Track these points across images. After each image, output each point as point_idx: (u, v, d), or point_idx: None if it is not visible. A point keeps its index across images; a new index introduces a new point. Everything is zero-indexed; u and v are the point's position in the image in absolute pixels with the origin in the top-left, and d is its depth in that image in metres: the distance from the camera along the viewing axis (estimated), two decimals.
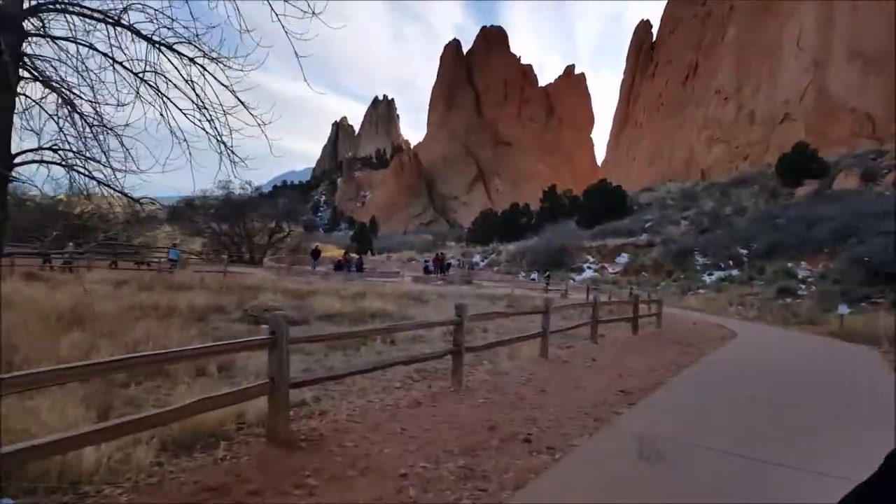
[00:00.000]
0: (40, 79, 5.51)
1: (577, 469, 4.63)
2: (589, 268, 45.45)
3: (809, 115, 60.86)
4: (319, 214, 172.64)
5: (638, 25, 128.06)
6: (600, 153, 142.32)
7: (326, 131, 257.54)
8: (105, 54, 5.51)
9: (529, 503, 3.96)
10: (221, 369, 7.46)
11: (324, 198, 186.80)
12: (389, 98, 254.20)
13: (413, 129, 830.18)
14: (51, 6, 5.41)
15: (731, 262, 37.40)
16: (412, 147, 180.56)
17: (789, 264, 32.89)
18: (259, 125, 5.47)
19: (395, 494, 4.06)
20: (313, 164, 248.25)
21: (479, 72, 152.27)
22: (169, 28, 5.46)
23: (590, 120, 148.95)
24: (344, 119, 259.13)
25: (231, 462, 4.45)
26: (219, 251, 48.55)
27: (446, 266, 42.99)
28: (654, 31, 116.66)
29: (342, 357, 9.32)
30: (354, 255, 44.29)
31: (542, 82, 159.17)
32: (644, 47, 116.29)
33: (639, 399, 7.08)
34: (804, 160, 46.76)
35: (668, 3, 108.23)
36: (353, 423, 5.61)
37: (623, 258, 45.16)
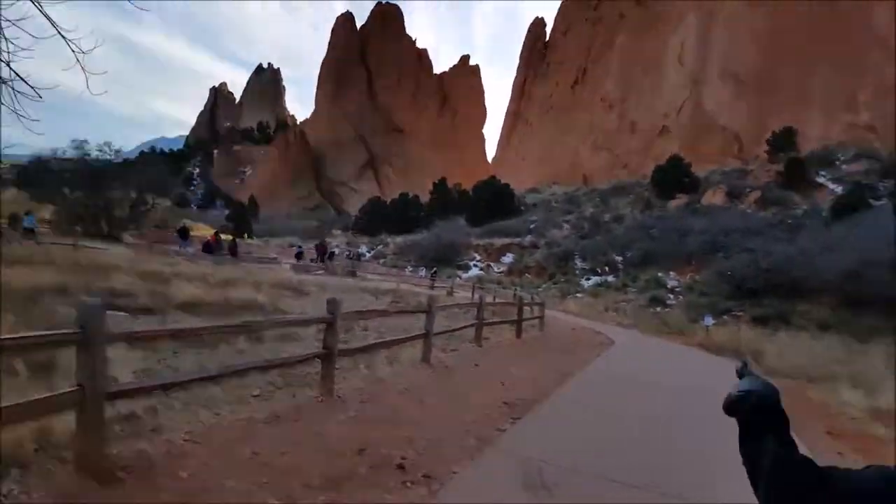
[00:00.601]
0: None
1: None
2: (475, 266, 45.76)
3: (685, 130, 65.35)
4: (192, 188, 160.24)
5: (533, 22, 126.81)
6: (491, 149, 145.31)
7: (204, 96, 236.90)
8: None
9: None
10: (41, 368, 5.98)
11: (198, 171, 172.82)
12: (275, 67, 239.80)
13: (300, 103, 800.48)
14: None
15: (607, 269, 39.07)
16: (299, 123, 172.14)
17: (660, 274, 34.85)
18: (75, 53, 4.17)
19: None
20: (187, 132, 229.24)
21: (372, 50, 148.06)
22: None
23: (483, 114, 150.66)
24: (223, 85, 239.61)
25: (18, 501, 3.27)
26: (71, 221, 43.31)
27: (329, 255, 41.34)
28: (549, 29, 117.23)
29: (194, 356, 8.04)
30: (227, 237, 41.32)
31: (437, 69, 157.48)
32: (538, 45, 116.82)
33: (523, 412, 6.54)
34: (678, 173, 49.97)
35: (562, 3, 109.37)
36: (194, 445, 4.53)
37: (508, 258, 45.90)
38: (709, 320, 22.33)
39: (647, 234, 40.66)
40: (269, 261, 34.30)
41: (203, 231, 49.07)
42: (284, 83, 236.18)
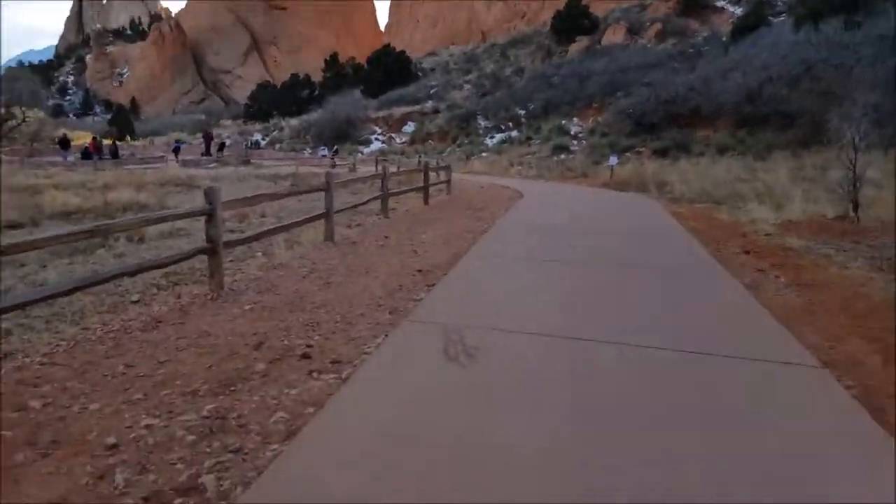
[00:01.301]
0: None
1: (369, 390, 3.45)
2: (377, 139, 44.16)
3: None
4: (69, 98, 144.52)
5: None
6: (382, 18, 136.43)
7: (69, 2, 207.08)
8: None
9: (298, 468, 2.67)
10: None
11: (72, 78, 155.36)
12: None
13: None
14: None
15: (510, 124, 38.69)
16: (174, 15, 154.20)
17: (563, 122, 34.86)
18: None
19: (91, 485, 2.53)
20: (56, 41, 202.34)
21: None
22: None
23: None
24: None
25: None
26: None
27: (220, 146, 38.53)
28: None
29: (66, 267, 7.06)
30: (106, 141, 37.67)
31: None
32: None
33: (438, 278, 6.12)
34: (577, 16, 48.74)
35: None
36: (53, 368, 3.80)
37: (410, 127, 44.51)
38: (613, 160, 22.63)
39: (547, 83, 40.13)
40: (156, 160, 31.58)
41: (84, 139, 44.72)
42: None
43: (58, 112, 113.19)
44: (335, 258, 7.11)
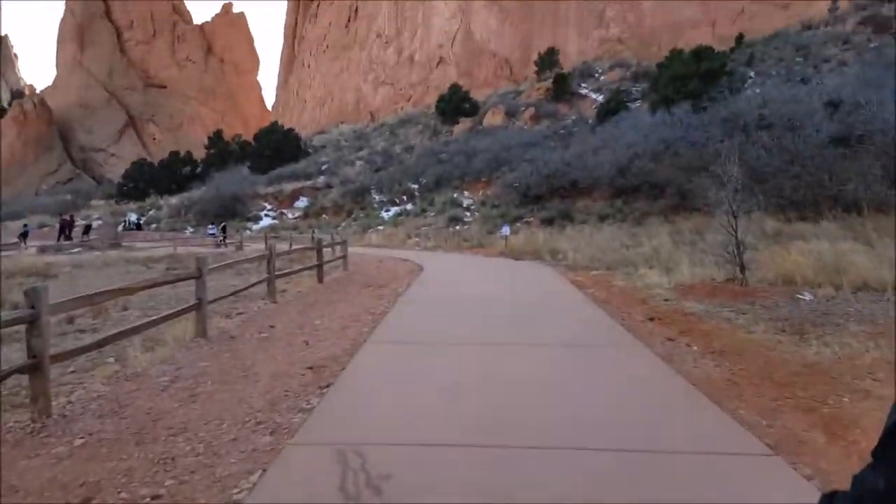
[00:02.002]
0: None
1: None
2: (267, 215, 42.53)
3: (459, 58, 66.73)
4: None
5: None
6: (269, 96, 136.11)
7: None
8: None
9: None
10: None
11: None
12: (1, 34, 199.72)
13: (39, 70, 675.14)
14: None
15: (405, 197, 38.81)
16: (38, 92, 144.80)
17: (455, 195, 35.44)
18: None
19: None
20: None
21: (117, 7, 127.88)
22: None
23: (254, 60, 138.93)
24: None
25: None
26: None
27: (85, 229, 35.30)
28: None
29: None
30: None
31: (198, 20, 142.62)
32: None
33: (333, 376, 5.24)
34: (458, 100, 51.09)
35: None
36: None
37: (302, 202, 43.42)
38: (506, 230, 22.91)
39: (437, 159, 41.08)
40: (10, 246, 28.09)
41: None
42: (15, 50, 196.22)
43: None
44: (207, 359, 5.98)
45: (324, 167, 49.51)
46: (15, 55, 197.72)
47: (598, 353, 5.94)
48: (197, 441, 3.78)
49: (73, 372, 5.75)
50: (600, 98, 47.10)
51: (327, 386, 4.93)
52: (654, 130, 29.74)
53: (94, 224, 40.46)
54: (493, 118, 48.30)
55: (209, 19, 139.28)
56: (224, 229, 34.13)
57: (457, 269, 14.91)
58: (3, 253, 24.17)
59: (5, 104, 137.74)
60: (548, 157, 32.81)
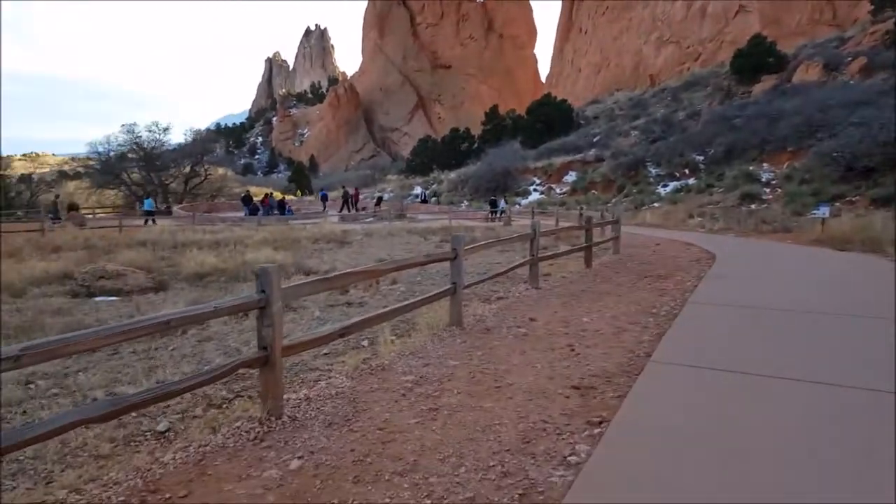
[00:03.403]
0: None
1: None
2: (535, 190, 42.31)
3: (764, 5, 57.52)
4: (257, 157, 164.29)
5: None
6: (544, 69, 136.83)
7: (262, 69, 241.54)
8: None
9: None
10: None
11: (260, 139, 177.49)
12: (322, 28, 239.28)
13: (351, 59, 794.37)
14: None
15: (686, 171, 34.79)
16: (349, 77, 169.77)
17: (750, 167, 30.40)
18: None
19: None
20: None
21: None
22: None
23: (531, 33, 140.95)
24: (276, 54, 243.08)
25: None
26: (132, 203, 44.16)
27: (378, 200, 39.44)
28: None
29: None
30: (277, 196, 40.40)
31: None
32: None
33: (607, 407, 3.79)
34: (761, 54, 43.78)
35: None
36: None
37: (571, 176, 42.17)
38: (823, 210, 18.37)
39: (729, 125, 35.69)
40: (318, 214, 32.62)
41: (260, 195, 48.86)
42: (332, 42, 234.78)
43: (247, 170, 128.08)
44: (457, 356, 5.04)
45: (595, 139, 47.41)
46: (332, 46, 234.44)
47: None
48: (424, 490, 2.75)
49: (325, 355, 5.36)
50: None
51: (600, 423, 3.53)
52: None
53: (385, 196, 45.06)
54: (806, 73, 40.18)
55: None
56: (494, 203, 34.60)
57: (759, 260, 11.96)
58: (312, 220, 27.86)
59: (324, 90, 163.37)
60: (886, 117, 25.77)
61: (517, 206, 35.96)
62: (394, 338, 5.75)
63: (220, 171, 53.64)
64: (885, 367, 4.49)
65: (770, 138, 31.40)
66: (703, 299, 7.42)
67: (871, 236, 14.11)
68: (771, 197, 26.62)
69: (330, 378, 4.59)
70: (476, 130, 65.71)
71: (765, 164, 30.35)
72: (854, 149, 24.86)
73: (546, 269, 10.40)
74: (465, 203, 43.90)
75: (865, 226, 15.03)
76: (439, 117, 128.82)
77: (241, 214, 33.55)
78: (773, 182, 28.27)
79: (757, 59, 43.68)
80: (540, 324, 6.33)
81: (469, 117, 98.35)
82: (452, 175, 52.09)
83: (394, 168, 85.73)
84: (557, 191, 41.52)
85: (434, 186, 51.80)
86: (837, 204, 22.41)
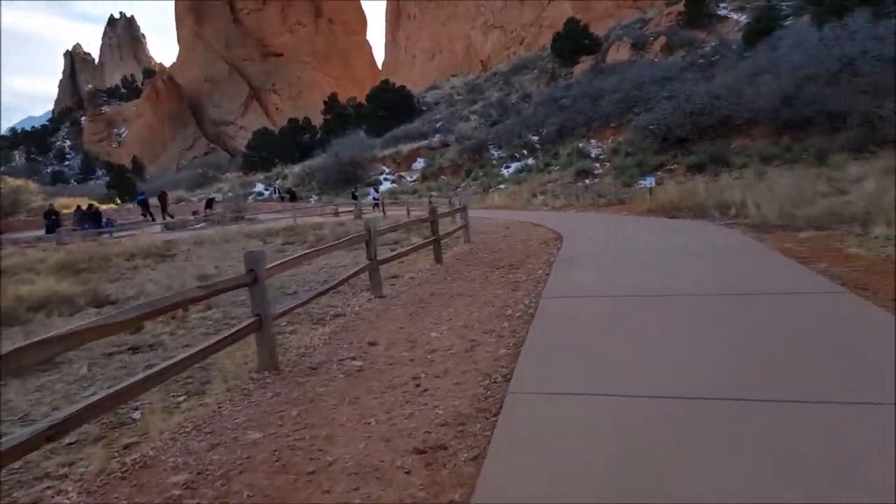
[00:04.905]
0: None
1: None
2: (386, 179, 41.38)
3: None
4: (68, 163, 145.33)
5: None
6: (379, 55, 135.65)
7: (62, 65, 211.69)
8: None
9: None
10: None
11: (69, 143, 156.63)
12: (128, 16, 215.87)
13: (168, 48, 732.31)
14: None
15: (525, 152, 35.82)
16: (167, 69, 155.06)
17: (581, 144, 31.89)
18: None
19: None
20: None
21: None
22: None
23: (361, 19, 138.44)
24: (78, 46, 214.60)
25: None
26: None
27: (208, 203, 35.83)
28: None
29: None
30: (82, 207, 35.17)
31: None
32: None
33: (463, 482, 2.87)
34: (577, 37, 46.40)
35: None
36: None
37: (419, 163, 41.83)
38: (649, 180, 19.46)
39: (558, 106, 37.36)
40: (136, 224, 28.84)
41: (72, 206, 42.29)
42: (143, 31, 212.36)
43: (58, 179, 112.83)
44: (262, 423, 3.81)
45: (438, 125, 47.50)
46: (143, 35, 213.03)
47: None
48: None
49: (69, 445, 3.82)
50: (743, 18, 40.71)
51: None
52: (823, 48, 24.35)
53: (219, 197, 41.41)
54: (617, 53, 43.25)
55: None
56: (355, 196, 33.24)
57: (604, 236, 11.96)
58: (130, 232, 24.50)
59: (140, 84, 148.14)
60: (690, 90, 28.16)
61: (369, 198, 34.68)
62: (182, 398, 4.36)
63: (18, 182, 46.24)
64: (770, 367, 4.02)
65: (595, 116, 33.25)
66: (558, 291, 6.87)
67: (698, 202, 14.90)
68: (602, 171, 27.99)
69: (55, 498, 3.09)
70: (318, 120, 63.13)
71: (592, 141, 32.00)
72: (668, 121, 26.87)
73: (394, 269, 9.43)
74: (314, 198, 41.80)
75: (690, 192, 15.87)
76: (277, 108, 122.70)
77: (57, 231, 28.65)
78: (602, 157, 29.84)
79: (574, 42, 46.29)
80: (381, 349, 5.31)
81: (309, 107, 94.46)
82: (297, 168, 49.50)
83: (233, 165, 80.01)
84: (408, 178, 40.95)
85: (278, 182, 48.80)
86: (659, 173, 24.00)
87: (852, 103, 21.50)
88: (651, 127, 27.70)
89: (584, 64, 44.98)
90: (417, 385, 4.30)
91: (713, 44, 38.62)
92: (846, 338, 4.31)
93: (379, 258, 7.79)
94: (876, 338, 4.23)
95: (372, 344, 5.48)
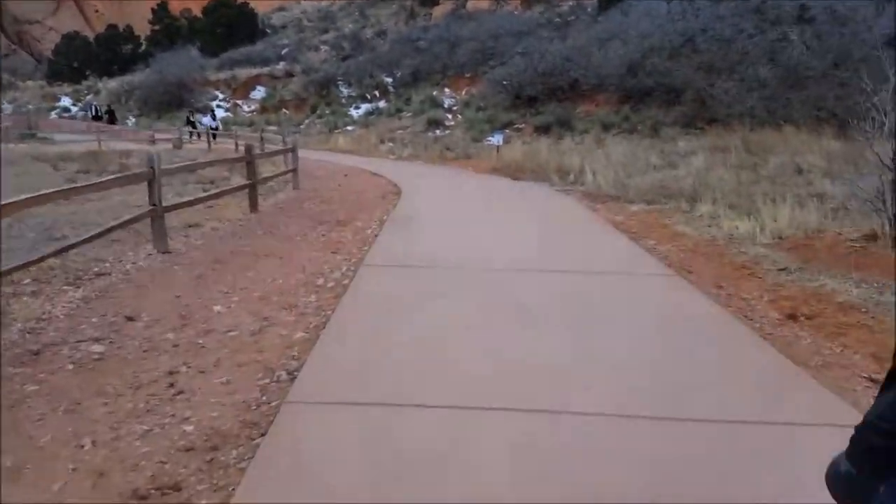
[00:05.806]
0: None
1: None
2: (219, 106, 37.41)
3: None
4: None
5: None
6: None
7: None
8: None
9: None
10: None
11: None
12: None
13: None
14: None
15: (377, 93, 34.16)
16: None
17: (435, 92, 31.03)
18: None
19: None
20: None
21: None
22: None
23: None
24: None
25: None
26: None
27: None
28: None
29: None
30: None
31: None
32: None
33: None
34: None
35: None
36: None
37: (259, 92, 38.32)
38: (498, 138, 19.19)
39: (414, 48, 35.85)
40: None
41: None
42: None
43: None
44: None
45: (284, 52, 43.74)
46: None
47: (764, 436, 2.66)
48: None
49: None
50: None
51: None
52: (669, 21, 25.46)
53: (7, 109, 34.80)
54: (478, 0, 42.59)
55: None
56: (192, 123, 29.47)
57: (446, 195, 11.31)
58: None
59: None
60: (544, 49, 28.25)
61: (202, 126, 30.96)
62: None
63: None
64: (569, 335, 3.50)
65: (451, 63, 32.39)
66: (382, 259, 6.01)
67: (539, 165, 14.82)
68: (453, 123, 27.47)
69: None
70: (144, 31, 55.33)
71: (447, 90, 31.29)
72: (520, 78, 26.78)
73: (198, 216, 7.97)
74: (132, 119, 36.76)
75: (531, 154, 15.78)
76: (97, 11, 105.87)
77: None
78: (455, 108, 29.29)
79: None
80: (139, 326, 4.09)
81: (136, 14, 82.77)
82: (113, 83, 43.09)
83: (39, 72, 68.13)
84: (245, 108, 37.38)
85: (89, 97, 42.19)
86: (508, 131, 23.98)
87: (689, 79, 22.70)
88: (504, 82, 27.47)
89: (445, 6, 43.70)
90: (171, 384, 3.21)
91: (570, 3, 39.16)
92: (672, 323, 3.96)
93: (169, 203, 6.35)
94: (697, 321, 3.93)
95: (130, 319, 4.22)
